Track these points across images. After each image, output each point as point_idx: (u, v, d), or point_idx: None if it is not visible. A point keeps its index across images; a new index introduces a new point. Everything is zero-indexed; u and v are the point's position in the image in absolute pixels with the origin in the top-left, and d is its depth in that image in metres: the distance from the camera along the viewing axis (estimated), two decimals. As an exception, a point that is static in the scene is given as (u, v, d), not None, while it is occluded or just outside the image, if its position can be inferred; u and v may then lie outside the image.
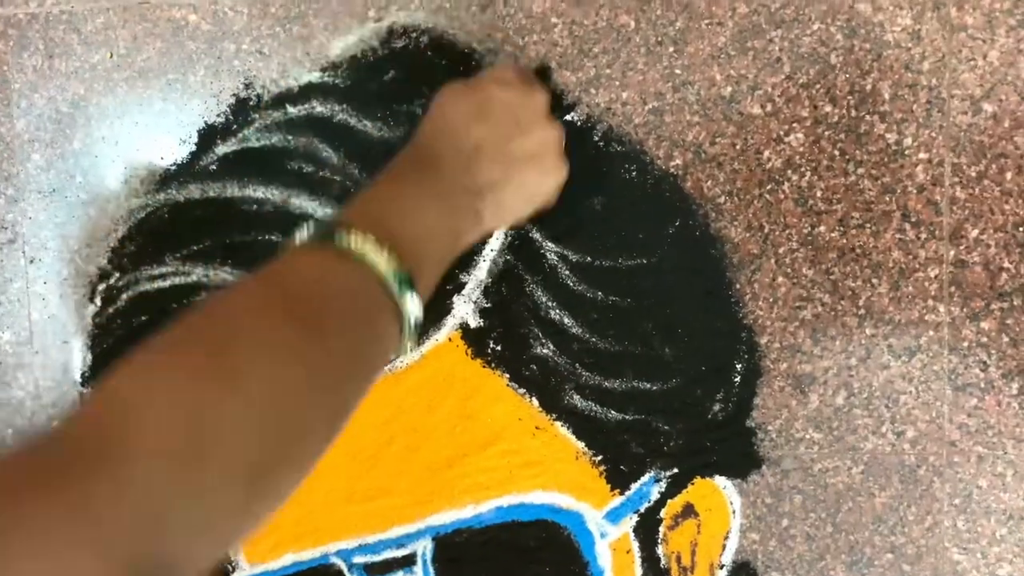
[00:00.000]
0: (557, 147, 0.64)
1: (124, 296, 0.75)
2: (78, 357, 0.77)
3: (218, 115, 0.73)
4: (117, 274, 0.75)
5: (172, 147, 0.74)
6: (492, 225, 0.63)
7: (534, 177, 0.64)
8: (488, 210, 0.61)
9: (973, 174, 0.68)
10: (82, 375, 0.77)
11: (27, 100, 0.74)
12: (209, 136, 0.74)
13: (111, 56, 0.73)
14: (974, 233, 0.69)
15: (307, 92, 0.72)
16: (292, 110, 0.72)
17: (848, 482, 0.73)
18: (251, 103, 0.73)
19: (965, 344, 0.70)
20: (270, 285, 0.46)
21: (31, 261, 0.76)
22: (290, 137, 0.72)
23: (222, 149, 0.73)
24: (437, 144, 0.60)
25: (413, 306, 0.49)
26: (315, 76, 0.72)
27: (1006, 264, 0.69)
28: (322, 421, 0.44)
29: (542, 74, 0.70)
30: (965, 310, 0.70)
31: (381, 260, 0.47)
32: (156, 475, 0.35)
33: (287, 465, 0.42)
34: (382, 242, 0.48)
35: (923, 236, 0.69)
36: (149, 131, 0.74)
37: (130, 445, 0.35)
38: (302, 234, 0.50)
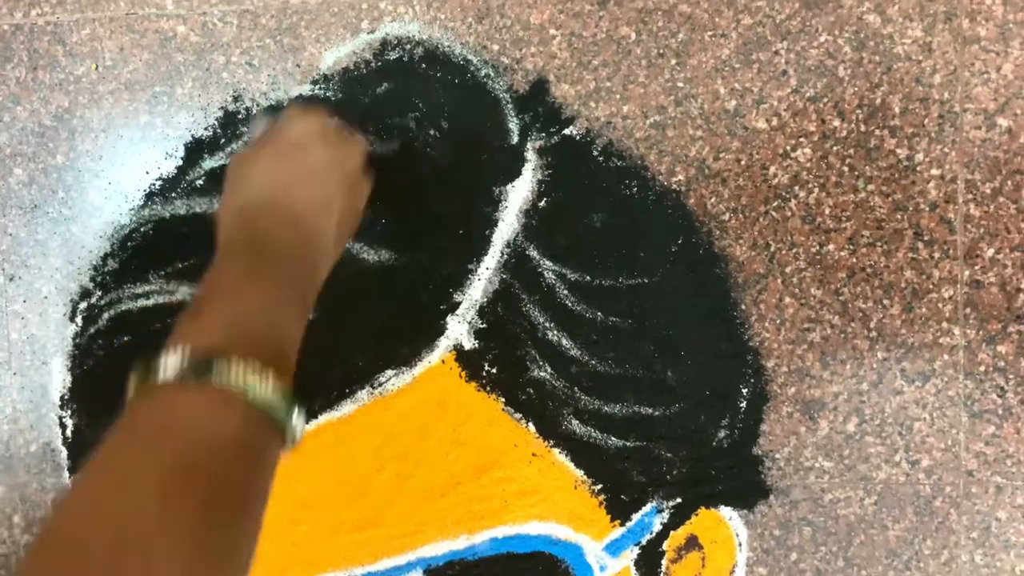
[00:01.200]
0: (368, 190, 0.62)
1: (106, 315, 0.73)
2: (58, 379, 0.74)
3: (206, 128, 0.71)
4: (99, 293, 0.73)
5: (158, 161, 0.72)
6: (327, 269, 0.57)
7: (355, 217, 0.61)
8: (323, 264, 0.56)
9: (988, 191, 0.66)
10: (61, 397, 0.74)
11: (9, 113, 0.72)
12: (196, 150, 0.71)
13: (96, 68, 0.71)
14: (990, 252, 0.66)
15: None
16: (282, 124, 0.70)
17: (860, 513, 0.69)
18: (240, 116, 0.71)
19: (982, 368, 0.67)
20: (158, 453, 0.39)
21: (10, 279, 0.74)
22: (279, 151, 0.70)
23: (209, 164, 0.71)
24: (263, 222, 0.53)
25: (300, 425, 0.45)
26: (306, 89, 0.70)
27: (1024, 285, 0.66)
28: None
29: (539, 88, 0.68)
30: (981, 333, 0.67)
31: (266, 389, 0.43)
32: None
33: None
34: (263, 366, 0.43)
35: (936, 255, 0.66)
36: (134, 145, 0.72)
37: None
38: (168, 369, 0.42)
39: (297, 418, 0.44)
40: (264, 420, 0.43)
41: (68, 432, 0.74)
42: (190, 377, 0.42)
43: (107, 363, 0.73)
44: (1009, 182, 0.65)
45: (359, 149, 0.60)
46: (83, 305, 0.73)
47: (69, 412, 0.74)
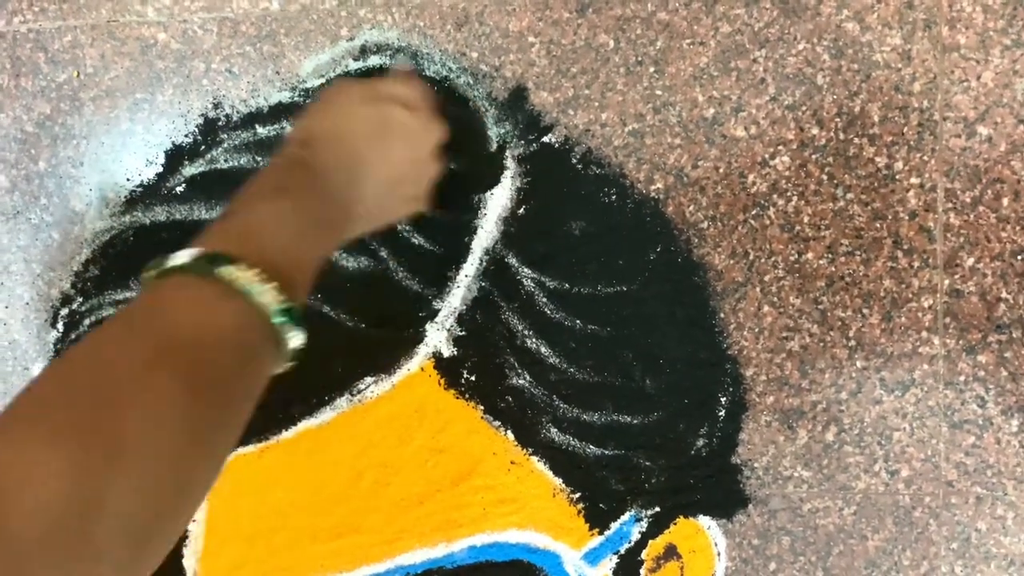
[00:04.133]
0: (435, 178, 0.63)
1: (87, 321, 0.73)
2: (39, 384, 0.74)
3: (186, 135, 0.71)
4: (80, 299, 0.73)
5: (139, 168, 0.72)
6: (361, 231, 0.60)
7: (410, 195, 0.62)
8: (361, 221, 0.58)
9: (968, 200, 0.65)
10: (43, 403, 0.74)
11: (-8, 119, 0.73)
12: (177, 157, 0.72)
13: (78, 75, 0.71)
14: (969, 261, 0.66)
15: (277, 112, 0.70)
16: (262, 130, 0.70)
17: (839, 523, 0.69)
18: (220, 123, 0.71)
19: (961, 378, 0.67)
20: (149, 330, 0.41)
21: (-7, 285, 0.74)
22: (260, 158, 0.70)
23: (190, 170, 0.71)
24: (322, 152, 0.55)
25: (297, 340, 0.46)
26: (285, 96, 0.70)
27: (1004, 294, 0.66)
28: (205, 476, 0.42)
29: (517, 95, 0.68)
30: (961, 342, 0.66)
31: (266, 295, 0.44)
32: (35, 554, 0.33)
33: (172, 522, 0.40)
34: (267, 275, 0.44)
35: (916, 264, 0.66)
36: (115, 151, 0.72)
37: (8, 524, 0.33)
38: (176, 260, 0.44)
39: (294, 333, 0.45)
40: (259, 324, 0.44)
41: (49, 438, 0.74)
42: (194, 272, 0.43)
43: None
44: (989, 191, 0.65)
45: (437, 134, 0.61)
46: (64, 311, 0.73)
47: None
